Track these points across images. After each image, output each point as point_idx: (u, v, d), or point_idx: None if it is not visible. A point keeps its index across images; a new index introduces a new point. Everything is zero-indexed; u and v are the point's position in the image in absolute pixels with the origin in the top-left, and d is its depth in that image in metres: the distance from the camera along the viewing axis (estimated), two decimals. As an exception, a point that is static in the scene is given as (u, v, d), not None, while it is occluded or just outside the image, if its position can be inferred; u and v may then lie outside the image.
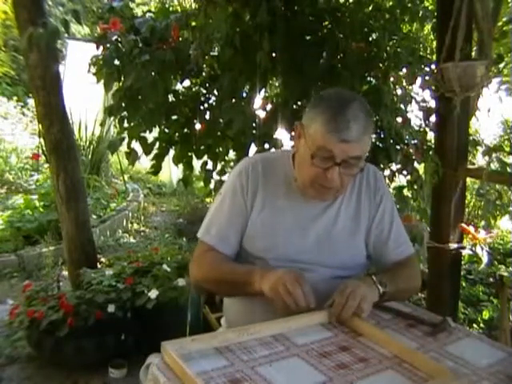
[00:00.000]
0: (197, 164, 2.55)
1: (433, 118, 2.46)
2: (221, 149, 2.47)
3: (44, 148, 2.97)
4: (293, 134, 2.44)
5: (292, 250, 1.31)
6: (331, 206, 1.36)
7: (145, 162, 2.75)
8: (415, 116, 2.57)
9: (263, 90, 2.51)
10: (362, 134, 1.18)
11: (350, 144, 1.17)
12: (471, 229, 2.33)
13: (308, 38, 2.42)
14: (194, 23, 2.35)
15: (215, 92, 2.43)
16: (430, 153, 2.39)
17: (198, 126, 2.43)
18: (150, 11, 2.56)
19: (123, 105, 2.32)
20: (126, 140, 2.41)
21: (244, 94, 2.40)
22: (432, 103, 2.45)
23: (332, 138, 1.17)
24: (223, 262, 1.34)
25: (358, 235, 1.38)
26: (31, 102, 6.87)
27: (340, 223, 1.36)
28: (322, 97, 1.27)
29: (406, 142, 2.51)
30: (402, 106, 2.53)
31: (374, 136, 2.55)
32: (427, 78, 2.33)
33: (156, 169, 2.52)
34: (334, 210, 1.36)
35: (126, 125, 2.37)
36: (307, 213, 1.35)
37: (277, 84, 2.66)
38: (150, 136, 2.43)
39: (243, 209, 1.36)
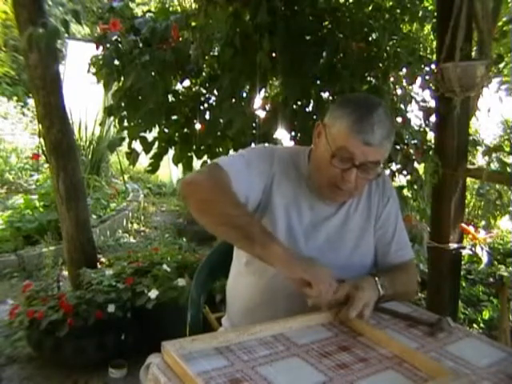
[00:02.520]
0: (197, 164, 2.55)
1: (433, 118, 2.46)
2: (221, 149, 2.47)
3: (44, 148, 2.97)
4: (293, 134, 2.45)
5: (302, 251, 1.29)
6: (342, 207, 1.36)
7: (145, 162, 2.75)
8: (415, 116, 2.57)
9: (263, 89, 2.51)
10: (385, 139, 1.19)
11: (371, 148, 1.17)
12: (471, 229, 2.33)
13: (308, 38, 2.42)
14: (193, 23, 2.35)
15: (215, 92, 2.43)
16: (430, 153, 2.39)
17: (198, 126, 2.43)
18: (149, 11, 2.56)
19: (123, 105, 2.32)
20: (127, 140, 2.41)
21: (244, 94, 2.40)
22: (432, 103, 2.45)
23: (355, 140, 1.16)
24: (239, 200, 1.18)
25: (368, 234, 1.38)
26: (31, 102, 6.88)
27: (351, 223, 1.36)
28: (349, 98, 1.27)
29: (405, 142, 2.51)
30: (402, 106, 2.53)
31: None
32: (427, 77, 2.33)
33: (154, 168, 2.52)
34: (344, 209, 1.36)
35: (126, 125, 2.37)
36: (319, 213, 1.34)
37: (277, 84, 2.66)
38: (150, 136, 2.43)
39: (263, 178, 1.30)
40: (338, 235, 1.35)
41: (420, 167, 2.52)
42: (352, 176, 1.20)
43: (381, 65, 2.48)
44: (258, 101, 2.47)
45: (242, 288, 1.41)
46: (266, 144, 1.41)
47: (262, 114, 2.47)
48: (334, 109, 1.25)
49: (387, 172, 2.56)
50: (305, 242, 1.31)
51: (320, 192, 1.31)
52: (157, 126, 2.41)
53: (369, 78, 2.53)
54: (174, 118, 2.44)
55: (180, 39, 2.28)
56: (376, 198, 1.40)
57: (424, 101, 2.52)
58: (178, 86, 2.51)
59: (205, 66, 2.44)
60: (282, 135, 2.47)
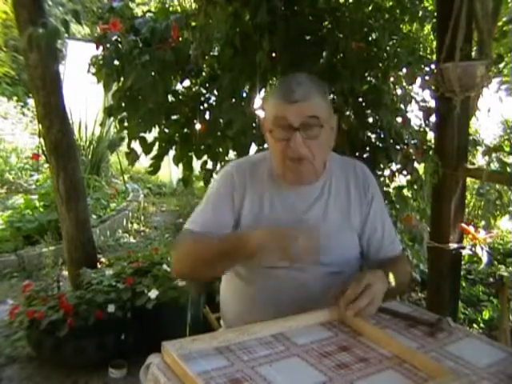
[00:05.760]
0: (197, 164, 2.55)
1: (433, 118, 2.46)
2: (221, 149, 2.47)
3: (44, 148, 2.97)
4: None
5: None
6: (319, 200, 1.36)
7: (145, 162, 2.75)
8: (415, 116, 2.57)
9: (263, 89, 2.51)
10: (309, 93, 1.21)
11: (298, 104, 1.20)
12: (471, 229, 2.33)
13: (308, 37, 2.42)
14: (193, 23, 2.35)
15: (215, 92, 2.43)
16: (430, 153, 2.38)
17: (198, 126, 2.43)
18: (149, 11, 2.56)
19: (123, 105, 2.32)
20: (126, 140, 2.41)
21: (244, 94, 2.40)
22: (432, 103, 2.45)
23: (280, 105, 1.22)
24: (205, 237, 1.30)
25: (349, 231, 1.38)
26: (31, 102, 6.88)
27: (330, 218, 1.36)
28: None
29: (405, 142, 2.51)
30: (402, 106, 2.53)
31: (373, 136, 2.56)
32: (427, 78, 2.33)
33: (155, 168, 2.52)
34: (322, 204, 1.36)
35: (126, 125, 2.37)
36: (296, 208, 1.34)
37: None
38: (150, 136, 2.43)
39: (230, 207, 1.35)
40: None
41: (420, 167, 2.52)
42: (297, 140, 1.21)
43: (381, 65, 2.48)
44: (258, 101, 2.47)
45: (233, 293, 1.42)
46: (222, 173, 1.44)
47: (262, 113, 2.47)
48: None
49: (387, 172, 2.56)
50: None
51: (285, 178, 1.32)
52: (157, 126, 2.41)
53: (369, 78, 2.53)
54: (174, 117, 2.44)
55: (180, 39, 2.28)
56: (357, 193, 1.40)
57: (424, 101, 2.51)
58: (178, 86, 2.51)
59: (205, 66, 2.44)
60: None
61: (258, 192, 1.35)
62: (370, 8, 2.53)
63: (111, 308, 2.46)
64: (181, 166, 2.54)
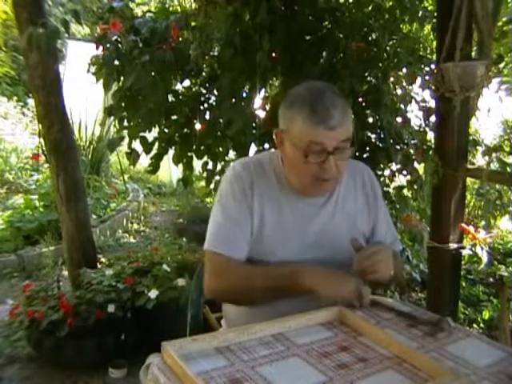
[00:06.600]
0: (197, 164, 2.55)
1: (433, 118, 2.46)
2: (221, 149, 2.47)
3: (44, 148, 2.97)
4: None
5: (293, 251, 1.31)
6: (326, 205, 1.36)
7: (145, 162, 2.75)
8: (415, 116, 2.57)
9: (263, 89, 2.51)
10: (344, 116, 1.20)
11: (336, 130, 1.19)
12: (471, 229, 2.33)
13: (308, 37, 2.43)
14: (193, 23, 2.36)
15: (215, 92, 2.44)
16: (430, 153, 2.39)
17: (198, 126, 2.43)
18: (149, 11, 2.56)
19: (123, 105, 2.33)
20: (127, 140, 2.41)
21: (244, 94, 2.40)
22: (432, 103, 2.45)
23: (318, 130, 1.18)
24: (249, 268, 1.30)
25: (355, 234, 1.38)
26: (31, 102, 6.88)
27: (337, 222, 1.36)
28: (294, 96, 1.26)
29: (405, 141, 2.51)
30: (402, 106, 2.53)
31: (373, 136, 2.56)
32: (427, 78, 2.33)
33: (154, 168, 2.52)
34: (330, 208, 1.36)
35: (126, 125, 2.37)
36: (304, 213, 1.34)
37: (277, 84, 2.66)
38: (150, 136, 2.43)
39: (247, 212, 1.32)
40: (324, 234, 1.35)
41: (420, 167, 2.52)
42: (331, 163, 1.21)
43: (381, 65, 2.48)
44: (258, 101, 2.47)
45: None
46: (229, 174, 1.39)
47: (262, 113, 2.47)
48: (284, 112, 1.26)
49: (387, 172, 2.56)
50: (295, 244, 1.32)
51: (306, 192, 1.32)
52: (157, 126, 2.41)
53: (369, 78, 2.53)
54: (174, 118, 2.45)
55: (180, 39, 2.28)
56: (364, 199, 1.41)
57: (424, 101, 2.52)
58: (178, 86, 2.51)
59: (205, 66, 2.44)
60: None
61: (265, 191, 1.34)
62: (370, 8, 2.54)
63: (111, 308, 2.46)
64: (181, 165, 2.54)
